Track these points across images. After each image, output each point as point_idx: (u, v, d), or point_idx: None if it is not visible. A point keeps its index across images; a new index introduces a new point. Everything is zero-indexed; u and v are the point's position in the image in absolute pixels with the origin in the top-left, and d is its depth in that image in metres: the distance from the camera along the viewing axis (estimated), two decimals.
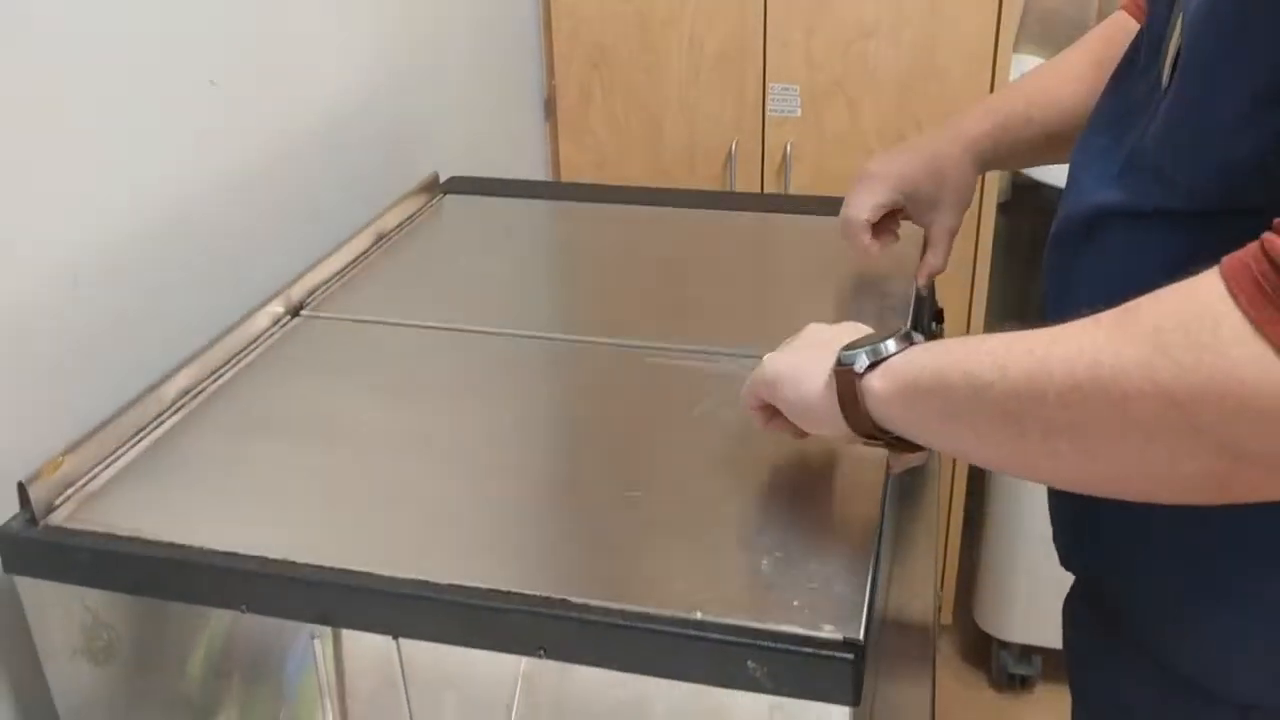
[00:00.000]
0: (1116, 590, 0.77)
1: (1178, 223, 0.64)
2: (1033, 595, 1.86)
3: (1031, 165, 1.04)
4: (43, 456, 0.75)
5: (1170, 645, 0.72)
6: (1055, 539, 0.86)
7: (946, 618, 2.07)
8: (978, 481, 1.96)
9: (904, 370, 0.63)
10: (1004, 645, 1.92)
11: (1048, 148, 0.96)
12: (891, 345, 0.65)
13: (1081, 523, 0.80)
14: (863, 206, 0.99)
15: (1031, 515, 1.80)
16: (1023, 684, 1.94)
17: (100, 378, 0.87)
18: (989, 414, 0.58)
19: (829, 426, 0.68)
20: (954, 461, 1.88)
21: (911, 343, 0.65)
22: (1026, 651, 1.92)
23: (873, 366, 0.64)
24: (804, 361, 0.70)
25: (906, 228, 1.04)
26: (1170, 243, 0.65)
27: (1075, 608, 0.89)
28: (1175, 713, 0.74)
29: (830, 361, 0.67)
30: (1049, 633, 1.87)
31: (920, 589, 1.03)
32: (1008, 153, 0.98)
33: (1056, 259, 0.75)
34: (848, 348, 0.66)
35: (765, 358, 0.73)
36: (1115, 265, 0.69)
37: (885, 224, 1.02)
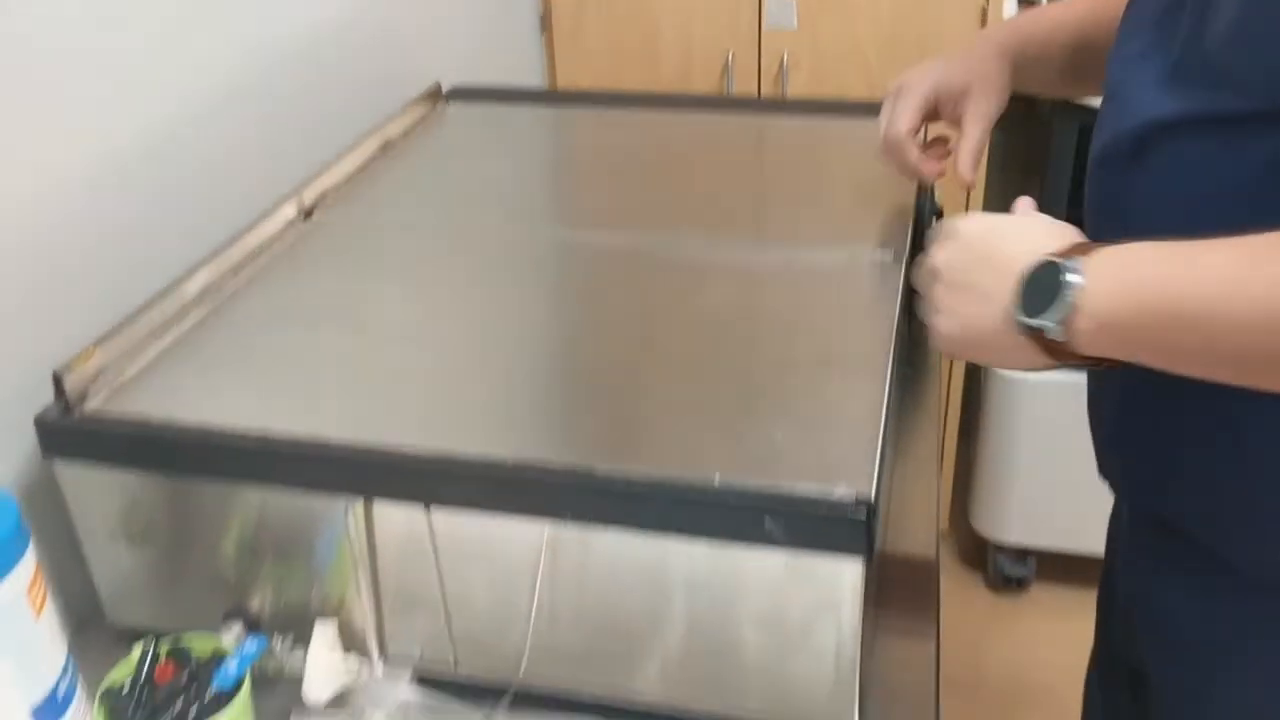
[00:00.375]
0: (1205, 519, 0.73)
1: (1244, 130, 0.61)
2: (1028, 498, 1.90)
3: (1058, 86, 0.97)
4: (68, 354, 0.76)
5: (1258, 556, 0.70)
6: (1120, 475, 0.82)
7: (943, 522, 2.11)
8: (974, 388, 2.00)
9: (1098, 310, 0.59)
10: (1000, 548, 1.97)
11: (1077, 58, 0.91)
12: (1072, 287, 0.59)
13: (1165, 461, 0.75)
14: (901, 118, 0.92)
15: (1030, 421, 1.83)
16: (1018, 585, 1.99)
17: (115, 284, 0.88)
18: (1208, 358, 0.57)
19: (1029, 365, 0.66)
20: (949, 372, 1.91)
21: (1081, 272, 0.60)
22: (1022, 553, 1.97)
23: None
24: (974, 323, 0.66)
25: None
26: (1237, 152, 0.62)
27: (1136, 534, 0.84)
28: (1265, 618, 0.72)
29: (1001, 308, 0.64)
30: (1044, 535, 1.92)
31: (923, 487, 1.05)
32: (1035, 56, 0.93)
33: (1104, 182, 0.72)
34: (1026, 307, 0.62)
35: (931, 317, 0.70)
36: (1175, 182, 0.66)
37: (933, 147, 0.96)
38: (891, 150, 0.94)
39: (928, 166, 0.94)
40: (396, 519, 0.71)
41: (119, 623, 0.81)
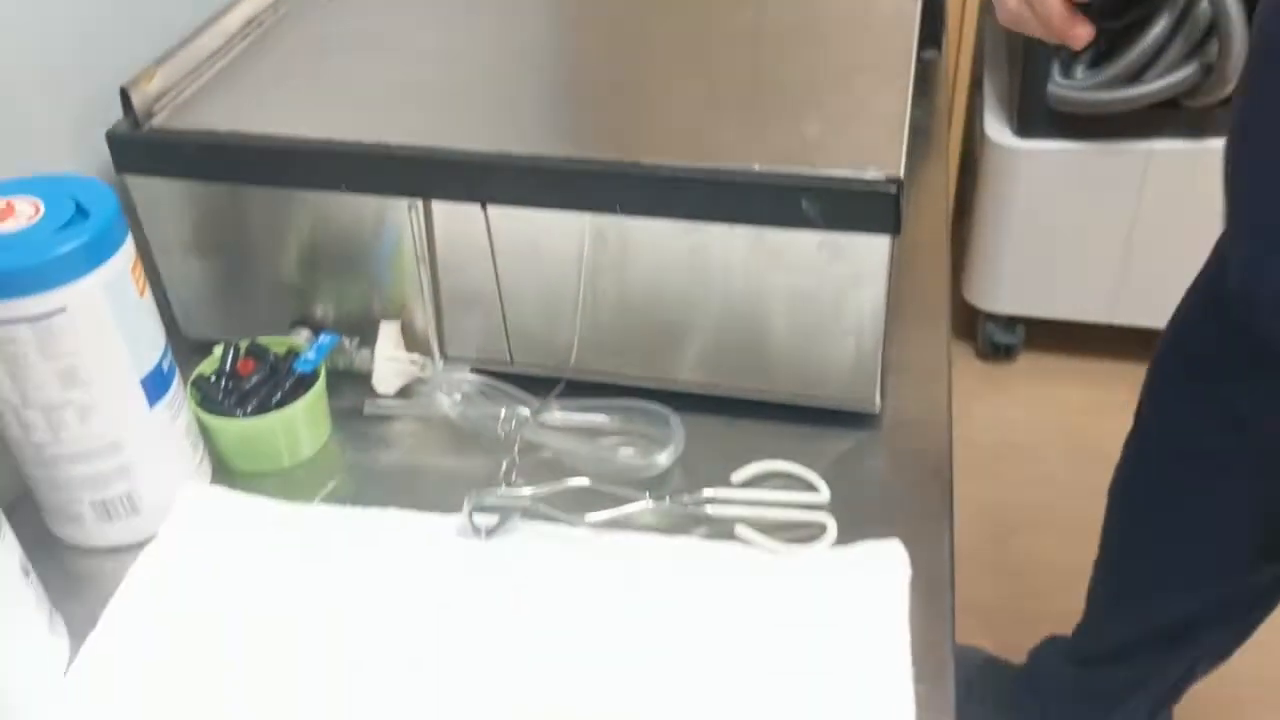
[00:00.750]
0: None
1: None
2: (1019, 268, 1.97)
3: None
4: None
5: None
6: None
7: None
8: (969, 162, 2.04)
9: None
10: (990, 317, 2.05)
11: None
12: None
13: None
14: None
15: (1023, 191, 1.88)
16: (1007, 353, 2.08)
17: (158, 16, 0.91)
18: None
19: None
20: (947, 139, 1.94)
21: None
22: (1012, 322, 2.05)
23: None
24: None
25: None
26: None
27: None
28: None
29: None
30: (1034, 303, 2.00)
31: (932, 222, 1.10)
32: None
33: None
34: None
35: None
36: None
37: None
38: (1034, 4, 0.77)
39: (1076, 28, 0.77)
40: (454, 217, 0.77)
41: (193, 335, 0.87)
